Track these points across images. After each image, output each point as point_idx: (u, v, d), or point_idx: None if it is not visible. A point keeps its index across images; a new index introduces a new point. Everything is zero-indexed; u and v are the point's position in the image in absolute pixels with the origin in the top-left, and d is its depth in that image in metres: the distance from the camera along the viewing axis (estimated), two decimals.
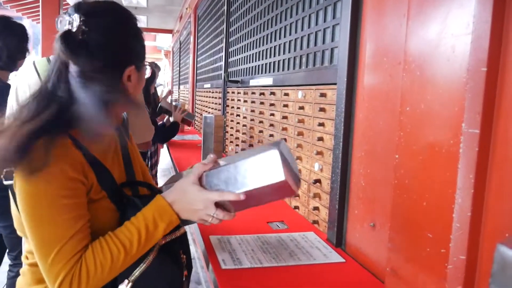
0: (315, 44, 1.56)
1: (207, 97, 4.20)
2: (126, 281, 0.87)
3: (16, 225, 0.93)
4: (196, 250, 3.42)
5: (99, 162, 0.91)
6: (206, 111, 4.07)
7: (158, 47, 14.83)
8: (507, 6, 0.71)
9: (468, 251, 0.77)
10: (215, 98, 3.67)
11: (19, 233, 0.93)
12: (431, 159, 0.86)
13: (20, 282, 0.96)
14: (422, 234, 0.88)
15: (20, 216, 0.86)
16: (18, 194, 0.83)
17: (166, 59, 14.58)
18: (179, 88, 8.09)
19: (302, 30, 1.69)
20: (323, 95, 1.45)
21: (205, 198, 0.91)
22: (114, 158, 1.01)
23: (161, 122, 3.03)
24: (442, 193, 0.82)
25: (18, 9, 6.54)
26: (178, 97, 7.99)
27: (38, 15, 4.84)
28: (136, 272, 0.87)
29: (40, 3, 4.64)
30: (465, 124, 0.76)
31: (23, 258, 0.97)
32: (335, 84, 1.34)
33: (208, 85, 4.12)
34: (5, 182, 0.88)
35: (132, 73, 0.94)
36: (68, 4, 6.59)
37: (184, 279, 0.99)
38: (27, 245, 0.94)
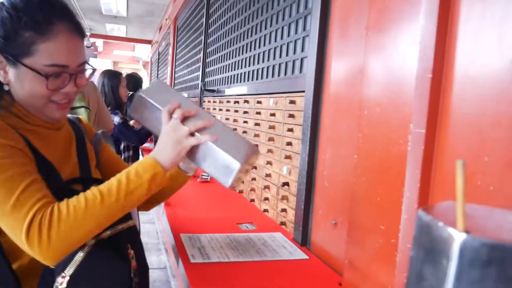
0: (287, 54, 1.65)
1: None
2: (62, 274, 0.84)
3: None
4: (168, 259, 3.42)
5: (42, 156, 0.92)
6: None
7: (136, 58, 14.81)
8: (450, 19, 0.81)
9: None
10: None
11: None
12: (384, 157, 0.94)
13: None
14: (375, 227, 0.95)
15: None
16: None
17: (144, 69, 14.56)
18: None
19: (275, 41, 1.78)
20: (292, 102, 1.53)
21: (170, 124, 0.97)
22: (64, 154, 1.02)
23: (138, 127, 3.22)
24: (392, 188, 0.90)
25: None
26: None
27: None
28: (71, 266, 0.85)
29: None
30: (413, 124, 0.85)
31: None
32: (303, 91, 1.42)
33: (185, 95, 4.17)
34: None
35: (2, 61, 0.90)
36: None
37: (133, 275, 0.93)
38: None
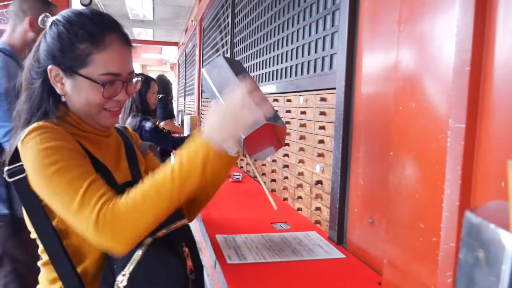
0: (316, 51, 1.63)
1: None
2: (122, 272, 0.87)
3: (28, 226, 0.95)
4: (202, 258, 3.46)
5: (97, 159, 0.96)
6: None
7: (163, 60, 15.03)
8: (488, 9, 0.78)
9: (458, 238, 0.82)
10: None
11: (32, 235, 0.96)
12: (422, 153, 0.91)
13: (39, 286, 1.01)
14: (415, 225, 0.93)
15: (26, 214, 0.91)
16: (30, 166, 0.87)
17: (172, 71, 14.76)
18: (184, 99, 8.19)
19: (303, 38, 1.77)
20: (323, 99, 1.51)
21: (237, 93, 0.89)
22: (115, 160, 1.07)
23: (178, 135, 3.35)
24: (432, 185, 0.88)
25: None
26: (184, 108, 8.09)
27: None
28: (130, 264, 0.87)
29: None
30: (451, 119, 0.82)
31: (39, 263, 0.99)
32: (334, 88, 1.40)
33: None
34: (9, 179, 0.90)
35: (59, 74, 0.95)
36: None
37: (189, 272, 0.95)
38: (39, 246, 0.96)
